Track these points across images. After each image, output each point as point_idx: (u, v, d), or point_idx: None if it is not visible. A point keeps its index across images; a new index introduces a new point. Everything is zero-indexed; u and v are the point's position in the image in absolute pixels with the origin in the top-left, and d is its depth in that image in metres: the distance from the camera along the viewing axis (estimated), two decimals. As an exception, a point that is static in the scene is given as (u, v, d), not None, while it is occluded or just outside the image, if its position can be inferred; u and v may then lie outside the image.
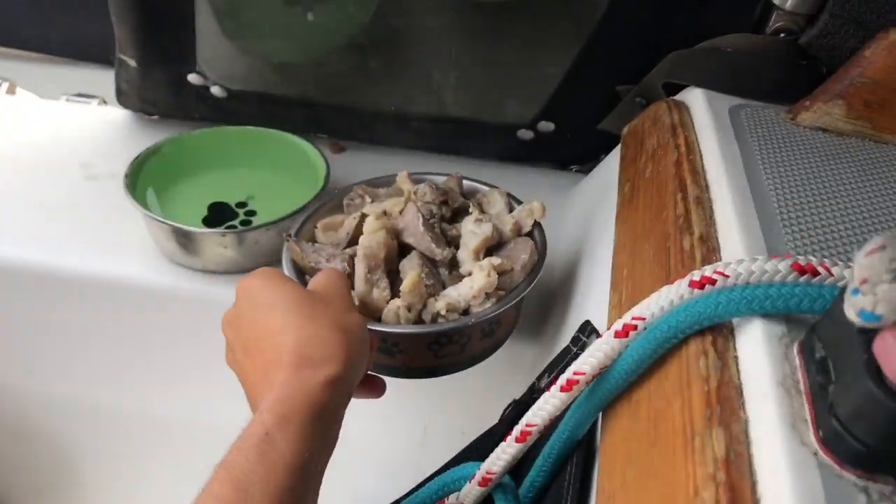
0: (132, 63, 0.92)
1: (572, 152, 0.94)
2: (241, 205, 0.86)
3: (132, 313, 0.83)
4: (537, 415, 0.46)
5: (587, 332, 0.57)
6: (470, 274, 0.66)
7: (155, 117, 1.03)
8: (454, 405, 0.81)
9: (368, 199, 0.74)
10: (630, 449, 0.39)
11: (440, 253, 0.66)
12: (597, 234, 0.74)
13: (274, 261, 0.81)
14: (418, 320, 0.64)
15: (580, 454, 0.48)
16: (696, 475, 0.32)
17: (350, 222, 0.69)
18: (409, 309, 0.62)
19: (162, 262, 0.82)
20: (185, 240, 0.78)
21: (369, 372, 0.59)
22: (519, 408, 0.59)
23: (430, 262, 0.67)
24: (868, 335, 0.29)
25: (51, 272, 0.82)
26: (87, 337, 0.86)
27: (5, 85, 1.15)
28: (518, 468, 0.51)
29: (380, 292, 0.63)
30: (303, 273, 0.67)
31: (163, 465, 0.89)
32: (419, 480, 0.64)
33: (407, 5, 0.84)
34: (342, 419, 0.49)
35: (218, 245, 0.78)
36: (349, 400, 0.50)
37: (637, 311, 0.40)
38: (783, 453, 0.30)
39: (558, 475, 0.50)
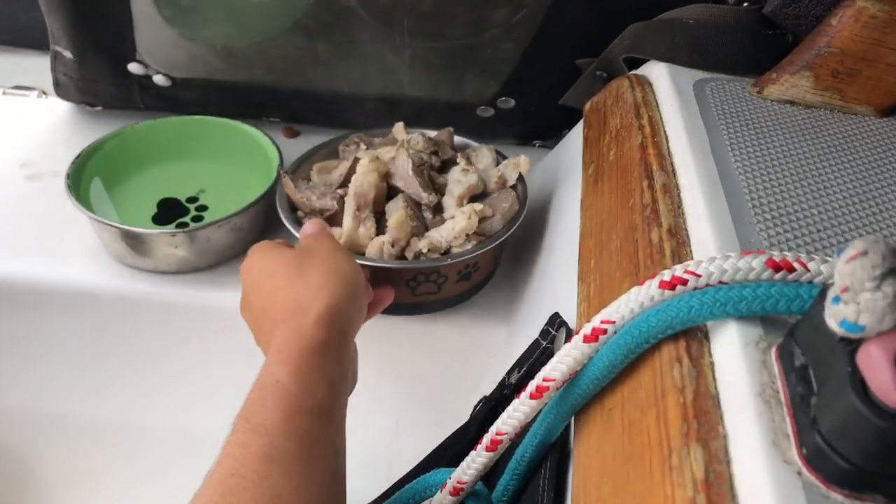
0: (68, 55, 0.87)
1: (535, 128, 0.92)
2: (192, 199, 0.83)
3: (83, 319, 0.79)
4: (507, 423, 0.43)
5: (556, 325, 0.55)
6: (453, 218, 0.69)
7: (98, 108, 0.99)
8: (426, 397, 0.79)
9: (363, 147, 0.78)
10: (605, 461, 0.38)
11: (426, 197, 0.71)
12: (563, 214, 0.72)
13: (229, 257, 0.78)
14: (401, 258, 0.68)
15: (554, 457, 0.46)
16: (674, 498, 0.30)
17: (344, 165, 0.74)
18: (392, 245, 0.67)
19: (111, 265, 0.78)
20: (134, 241, 0.75)
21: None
22: (489, 405, 0.57)
23: (415, 205, 0.71)
24: (851, 345, 0.28)
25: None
26: (38, 345, 0.82)
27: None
28: (491, 472, 0.49)
29: (366, 230, 0.68)
30: (295, 209, 0.73)
31: (121, 470, 0.87)
32: (392, 475, 0.63)
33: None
34: (353, 355, 0.54)
35: (169, 245, 0.75)
36: (353, 331, 0.53)
37: (606, 314, 0.38)
38: (765, 473, 0.28)
39: (532, 478, 0.48)
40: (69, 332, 0.80)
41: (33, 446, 0.86)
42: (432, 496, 0.52)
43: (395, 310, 0.72)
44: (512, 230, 0.71)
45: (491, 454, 0.45)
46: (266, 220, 0.80)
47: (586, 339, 0.39)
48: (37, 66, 1.10)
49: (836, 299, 0.28)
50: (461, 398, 0.69)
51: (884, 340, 0.26)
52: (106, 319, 0.79)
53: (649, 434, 0.34)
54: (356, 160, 0.73)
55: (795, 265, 0.34)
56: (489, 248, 0.69)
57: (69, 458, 0.87)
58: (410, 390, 0.78)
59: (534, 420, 0.45)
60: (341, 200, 0.72)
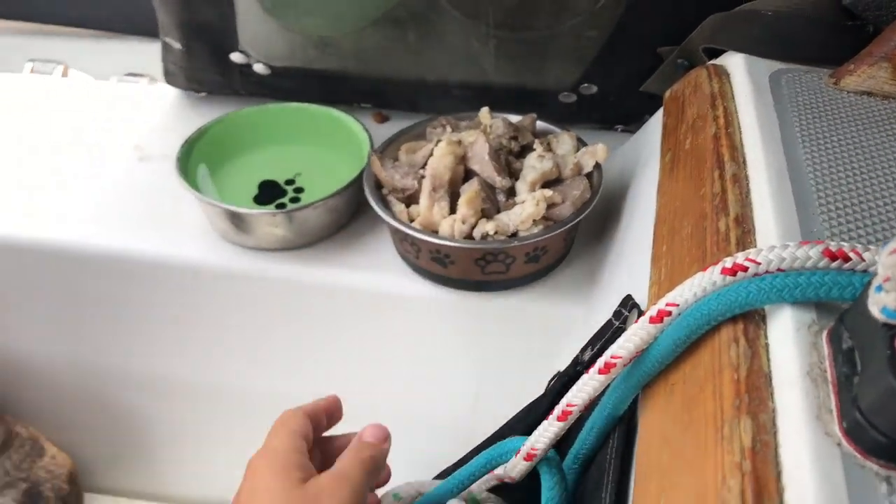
0: (176, 45, 0.94)
1: (616, 113, 0.94)
2: (290, 182, 0.89)
3: (188, 291, 0.87)
4: (577, 395, 0.47)
5: (629, 306, 0.58)
6: (523, 203, 0.72)
7: (203, 94, 1.06)
8: (503, 372, 0.83)
9: (449, 129, 0.82)
10: (665, 430, 0.41)
11: (499, 181, 0.74)
12: (640, 199, 0.75)
13: (324, 236, 0.84)
14: (469, 237, 0.72)
15: (621, 429, 0.49)
16: (724, 463, 0.33)
17: (428, 147, 0.78)
18: (463, 222, 0.71)
19: (216, 241, 0.85)
20: (237, 220, 0.81)
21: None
22: (563, 380, 0.61)
23: (489, 188, 0.74)
24: (891, 331, 0.30)
25: (106, 254, 0.86)
26: (148, 313, 0.90)
27: (59, 68, 1.18)
28: (562, 441, 0.53)
29: (440, 209, 0.73)
30: (380, 187, 0.78)
31: (221, 431, 0.94)
32: (471, 442, 0.67)
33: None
34: None
35: (269, 224, 0.81)
36: None
37: (671, 297, 0.41)
38: (807, 443, 0.31)
39: (601, 449, 0.52)
40: (177, 302, 0.88)
41: (146, 406, 0.95)
42: (507, 461, 0.56)
43: (467, 286, 0.77)
44: (580, 217, 0.73)
45: (562, 424, 0.49)
46: (358, 202, 0.86)
47: (652, 321, 0.42)
48: (147, 52, 1.19)
49: (879, 288, 0.30)
50: (537, 374, 0.73)
51: (920, 327, 0.29)
52: (210, 292, 0.86)
53: (705, 407, 0.37)
54: (438, 142, 0.77)
55: (851, 255, 0.37)
56: (556, 232, 0.72)
57: (176, 418, 0.95)
58: (488, 364, 0.83)
59: (603, 394, 0.48)
60: (422, 180, 0.76)
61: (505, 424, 0.65)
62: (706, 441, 0.36)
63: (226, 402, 0.92)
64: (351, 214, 0.86)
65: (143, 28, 1.21)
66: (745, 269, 0.39)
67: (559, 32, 0.87)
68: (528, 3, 0.85)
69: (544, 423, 0.50)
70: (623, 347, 0.43)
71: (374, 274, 0.81)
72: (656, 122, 0.80)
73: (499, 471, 0.58)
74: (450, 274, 0.76)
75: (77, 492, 0.87)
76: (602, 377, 0.45)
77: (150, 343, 0.91)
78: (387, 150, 0.82)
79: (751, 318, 0.39)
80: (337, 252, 0.83)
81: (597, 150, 0.77)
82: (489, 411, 0.80)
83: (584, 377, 0.46)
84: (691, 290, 0.40)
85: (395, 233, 0.77)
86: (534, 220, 0.72)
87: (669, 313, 0.41)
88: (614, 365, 0.44)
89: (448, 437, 0.82)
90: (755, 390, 0.35)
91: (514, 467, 0.53)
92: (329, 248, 0.84)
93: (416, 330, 0.82)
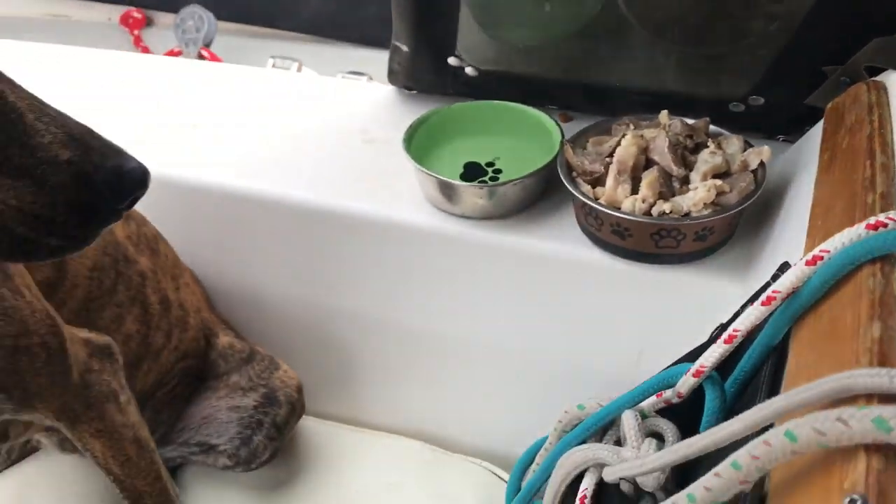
0: (405, 48, 1.14)
1: (779, 124, 1.05)
2: (490, 164, 1.06)
3: (403, 247, 1.06)
4: (742, 322, 0.61)
5: (784, 270, 0.71)
6: (696, 189, 0.86)
7: (414, 92, 1.26)
8: (667, 335, 0.96)
9: (632, 127, 0.97)
10: (813, 343, 0.54)
11: (676, 170, 0.88)
12: (798, 193, 0.87)
13: (518, 210, 1.01)
14: (647, 214, 0.86)
15: (774, 357, 0.63)
16: (858, 351, 0.47)
17: (614, 140, 0.94)
18: (643, 201, 0.86)
19: (428, 208, 1.04)
20: (448, 190, 0.99)
21: None
22: (724, 328, 0.74)
23: (666, 176, 0.89)
24: None
25: (340, 213, 1.07)
26: (368, 265, 1.09)
27: (295, 65, 1.42)
28: (723, 370, 0.66)
29: (623, 190, 0.89)
30: (571, 171, 0.94)
31: (418, 368, 1.13)
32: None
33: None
34: None
35: (474, 196, 0.99)
36: None
37: (824, 245, 0.55)
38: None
39: (756, 374, 0.65)
40: (392, 256, 1.07)
41: (358, 343, 1.15)
42: (674, 385, 0.70)
43: (639, 257, 0.91)
44: (746, 204, 0.87)
45: (727, 346, 0.63)
46: (546, 184, 1.02)
47: (807, 263, 0.56)
48: (365, 58, 1.41)
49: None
50: (696, 338, 0.86)
51: None
52: (420, 249, 1.05)
53: (847, 321, 0.51)
54: (623, 136, 0.93)
55: (970, 216, 0.49)
56: (723, 215, 0.86)
57: (381, 356, 1.14)
58: (653, 327, 0.96)
59: (762, 327, 0.62)
60: (607, 166, 0.92)
61: (669, 365, 0.79)
62: (845, 341, 0.49)
63: (426, 344, 1.11)
64: (541, 193, 1.02)
65: (362, 37, 1.44)
66: (885, 224, 0.52)
67: (734, 50, 1.01)
68: (709, 24, 0.99)
69: (712, 346, 0.64)
70: (782, 284, 0.57)
71: (560, 243, 0.97)
72: (817, 130, 0.92)
73: (667, 393, 0.72)
74: (627, 245, 0.91)
75: (302, 402, 1.08)
76: (764, 308, 0.59)
77: (367, 289, 1.11)
78: (576, 141, 0.98)
79: (886, 260, 0.52)
80: (528, 224, 1.00)
81: (762, 151, 0.91)
82: (651, 366, 0.94)
83: (749, 308, 0.61)
84: (840, 239, 0.54)
85: (582, 207, 0.93)
86: (704, 204, 0.86)
87: (822, 258, 0.55)
88: (774, 298, 0.58)
89: (613, 388, 0.96)
90: (885, 306, 0.48)
91: (684, 384, 0.68)
92: (521, 220, 1.01)
93: (592, 293, 0.98)
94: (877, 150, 0.65)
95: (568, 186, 0.92)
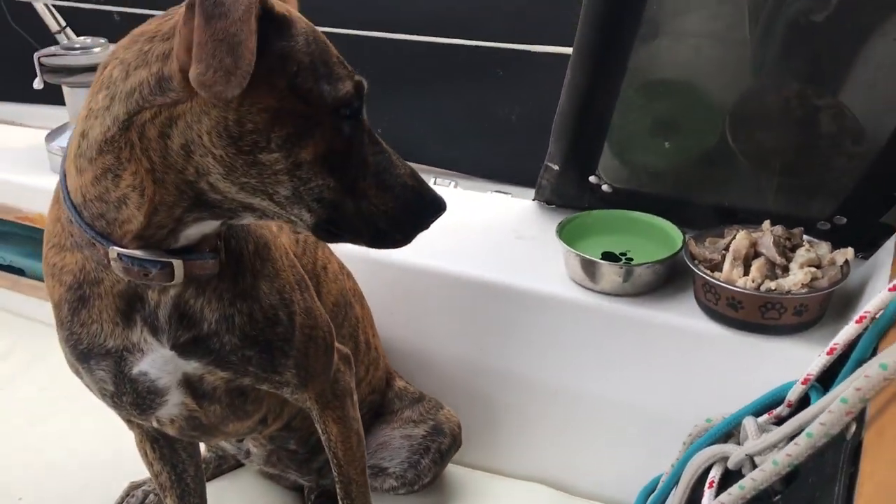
0: (555, 167, 1.45)
1: (858, 240, 1.31)
2: (623, 254, 1.34)
3: (549, 315, 1.32)
4: (840, 337, 0.85)
5: (869, 320, 0.95)
6: (795, 274, 1.11)
7: (553, 207, 1.56)
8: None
9: (742, 231, 1.22)
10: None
11: (779, 260, 1.14)
12: (876, 286, 1.11)
13: (648, 290, 1.27)
14: (756, 290, 1.12)
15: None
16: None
17: (728, 238, 1.21)
18: (753, 280, 1.12)
19: (572, 286, 1.31)
20: (591, 269, 1.27)
21: None
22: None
23: (771, 264, 1.14)
24: None
25: (499, 286, 1.35)
26: (519, 331, 1.36)
27: (452, 183, 1.76)
28: (825, 382, 0.89)
29: (737, 272, 1.14)
30: (694, 257, 1.20)
31: (551, 421, 1.36)
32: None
33: (745, 132, 1.30)
34: None
35: (613, 274, 1.26)
36: None
37: (901, 277, 0.80)
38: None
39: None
40: (539, 325, 1.33)
41: (500, 397, 1.39)
42: (783, 399, 0.93)
43: (748, 327, 1.16)
44: (835, 287, 1.12)
45: (829, 357, 0.86)
46: (671, 270, 1.29)
47: (890, 290, 0.81)
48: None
49: None
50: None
51: None
52: (564, 318, 1.31)
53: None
54: (736, 234, 1.20)
55: None
56: (816, 293, 1.11)
57: (522, 409, 1.38)
58: (754, 385, 1.19)
59: (856, 343, 0.85)
60: (723, 256, 1.19)
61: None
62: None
63: (560, 400, 1.34)
64: (666, 278, 1.29)
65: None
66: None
67: (822, 179, 1.29)
68: (800, 158, 1.28)
69: (816, 358, 0.88)
70: (871, 304, 0.82)
71: (682, 317, 1.23)
72: (890, 242, 1.17)
73: (777, 410, 0.95)
74: (739, 316, 1.16)
75: (460, 437, 1.30)
76: (857, 325, 0.83)
77: (515, 351, 1.36)
78: (696, 239, 1.26)
79: (946, 281, 0.76)
80: (656, 301, 1.26)
81: (847, 251, 1.16)
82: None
83: (845, 327, 0.85)
84: (913, 272, 0.79)
85: (703, 285, 1.19)
86: (802, 284, 1.11)
87: (900, 285, 0.80)
88: (865, 316, 0.83)
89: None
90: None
91: (794, 392, 0.91)
92: (650, 299, 1.27)
93: (707, 358, 1.21)
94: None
95: (693, 268, 1.18)
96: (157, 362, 0.89)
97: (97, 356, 0.89)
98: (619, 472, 1.32)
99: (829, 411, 0.74)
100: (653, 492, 1.13)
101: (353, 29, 1.89)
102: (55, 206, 0.88)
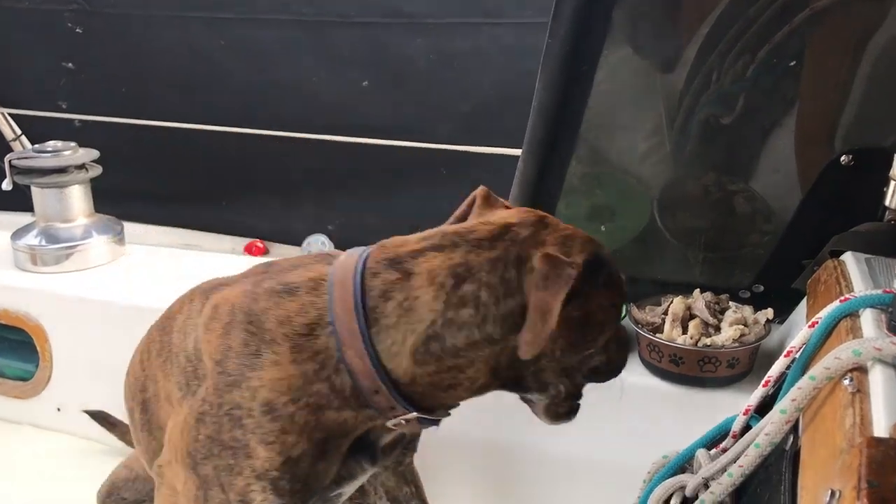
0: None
1: (774, 306, 1.50)
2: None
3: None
4: (773, 370, 1.01)
5: (793, 361, 1.11)
6: (726, 331, 1.26)
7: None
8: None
9: (676, 298, 1.38)
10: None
11: (712, 320, 1.29)
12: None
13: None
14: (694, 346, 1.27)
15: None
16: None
17: (665, 304, 1.35)
18: (691, 337, 1.27)
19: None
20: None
21: None
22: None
23: (705, 325, 1.30)
24: None
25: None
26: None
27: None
28: (762, 412, 1.04)
29: (677, 332, 1.29)
30: (636, 321, 1.35)
31: (523, 482, 1.47)
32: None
33: (671, 215, 1.50)
34: None
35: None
36: None
37: (816, 316, 0.97)
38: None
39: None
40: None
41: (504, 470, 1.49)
42: (728, 429, 1.07)
43: (688, 381, 1.31)
44: (758, 342, 1.29)
45: (764, 389, 1.02)
46: (616, 338, 1.44)
47: (809, 326, 0.97)
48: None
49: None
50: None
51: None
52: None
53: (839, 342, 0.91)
54: (672, 300, 1.37)
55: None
56: (745, 347, 1.28)
57: (491, 475, 1.48)
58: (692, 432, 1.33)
59: (784, 379, 1.01)
60: (663, 320, 1.35)
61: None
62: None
63: (518, 459, 1.45)
64: (613, 343, 1.44)
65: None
66: (848, 298, 0.95)
67: (741, 254, 1.49)
68: (720, 236, 1.48)
69: (754, 392, 1.03)
70: (796, 340, 0.98)
71: (629, 375, 1.36)
72: (802, 305, 1.36)
73: (724, 443, 1.09)
74: (680, 371, 1.31)
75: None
76: (785, 359, 0.99)
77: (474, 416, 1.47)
78: (636, 305, 1.42)
79: (853, 315, 0.93)
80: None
81: (768, 311, 1.34)
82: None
83: (776, 361, 1.00)
84: (826, 310, 0.96)
85: (648, 344, 1.34)
86: (733, 339, 1.28)
87: (817, 322, 0.97)
88: (791, 351, 0.99)
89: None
90: (854, 331, 0.89)
91: (737, 423, 1.05)
92: (600, 361, 1.41)
93: (654, 414, 1.35)
94: (842, 285, 1.09)
95: (637, 330, 1.34)
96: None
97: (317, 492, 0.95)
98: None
99: (771, 422, 0.89)
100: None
101: (311, 133, 2.06)
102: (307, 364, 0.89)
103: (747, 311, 1.38)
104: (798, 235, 1.41)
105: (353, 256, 0.92)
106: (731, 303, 1.41)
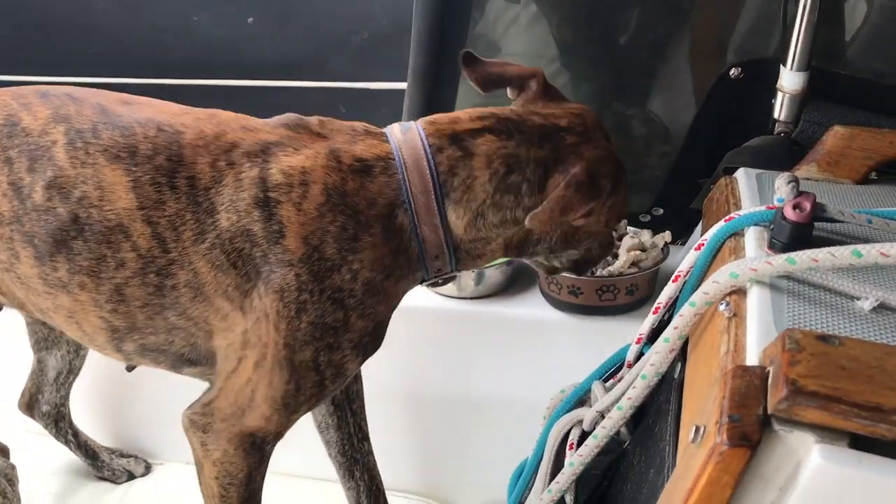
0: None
1: (675, 228, 1.48)
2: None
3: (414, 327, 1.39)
4: (662, 297, 0.97)
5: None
6: (622, 258, 1.23)
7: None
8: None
9: None
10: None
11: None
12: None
13: (499, 290, 1.37)
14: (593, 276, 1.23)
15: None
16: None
17: None
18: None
19: (431, 295, 1.39)
20: (447, 278, 1.36)
21: None
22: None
23: None
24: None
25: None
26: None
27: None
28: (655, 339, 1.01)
29: None
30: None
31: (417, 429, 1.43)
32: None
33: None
34: None
35: (468, 279, 1.35)
36: None
37: (703, 237, 0.93)
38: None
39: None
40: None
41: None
42: (621, 363, 1.04)
43: (588, 311, 1.28)
44: (656, 267, 1.27)
45: (655, 316, 0.98)
46: (517, 270, 1.39)
47: (695, 249, 0.94)
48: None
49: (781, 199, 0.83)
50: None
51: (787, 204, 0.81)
52: (427, 325, 1.38)
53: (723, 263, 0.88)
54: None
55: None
56: (643, 273, 1.25)
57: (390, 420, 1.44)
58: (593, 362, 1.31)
59: (676, 300, 0.98)
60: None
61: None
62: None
63: (429, 406, 1.42)
64: (513, 278, 1.40)
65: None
66: (733, 217, 0.91)
67: (641, 177, 1.45)
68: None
69: (645, 320, 1.00)
70: (684, 264, 0.95)
71: (530, 308, 1.34)
72: (699, 225, 1.34)
73: (620, 373, 1.06)
74: (580, 302, 1.28)
75: None
76: (674, 284, 0.96)
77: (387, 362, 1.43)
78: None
79: (737, 234, 0.90)
80: (507, 299, 1.37)
81: (665, 234, 1.32)
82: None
83: (665, 287, 0.97)
84: (712, 232, 0.93)
85: (547, 278, 1.30)
86: (629, 265, 1.25)
87: (703, 244, 0.93)
88: (679, 276, 0.95)
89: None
90: (737, 251, 0.86)
91: (631, 352, 1.02)
92: (502, 297, 1.37)
93: (556, 346, 1.33)
94: (731, 203, 1.06)
95: (535, 268, 1.30)
96: None
97: None
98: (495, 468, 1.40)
99: (656, 352, 0.85)
100: (521, 471, 1.21)
101: (195, 78, 1.93)
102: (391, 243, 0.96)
103: (645, 235, 1.35)
104: (694, 154, 1.38)
105: (413, 133, 0.98)
106: (629, 228, 1.38)
